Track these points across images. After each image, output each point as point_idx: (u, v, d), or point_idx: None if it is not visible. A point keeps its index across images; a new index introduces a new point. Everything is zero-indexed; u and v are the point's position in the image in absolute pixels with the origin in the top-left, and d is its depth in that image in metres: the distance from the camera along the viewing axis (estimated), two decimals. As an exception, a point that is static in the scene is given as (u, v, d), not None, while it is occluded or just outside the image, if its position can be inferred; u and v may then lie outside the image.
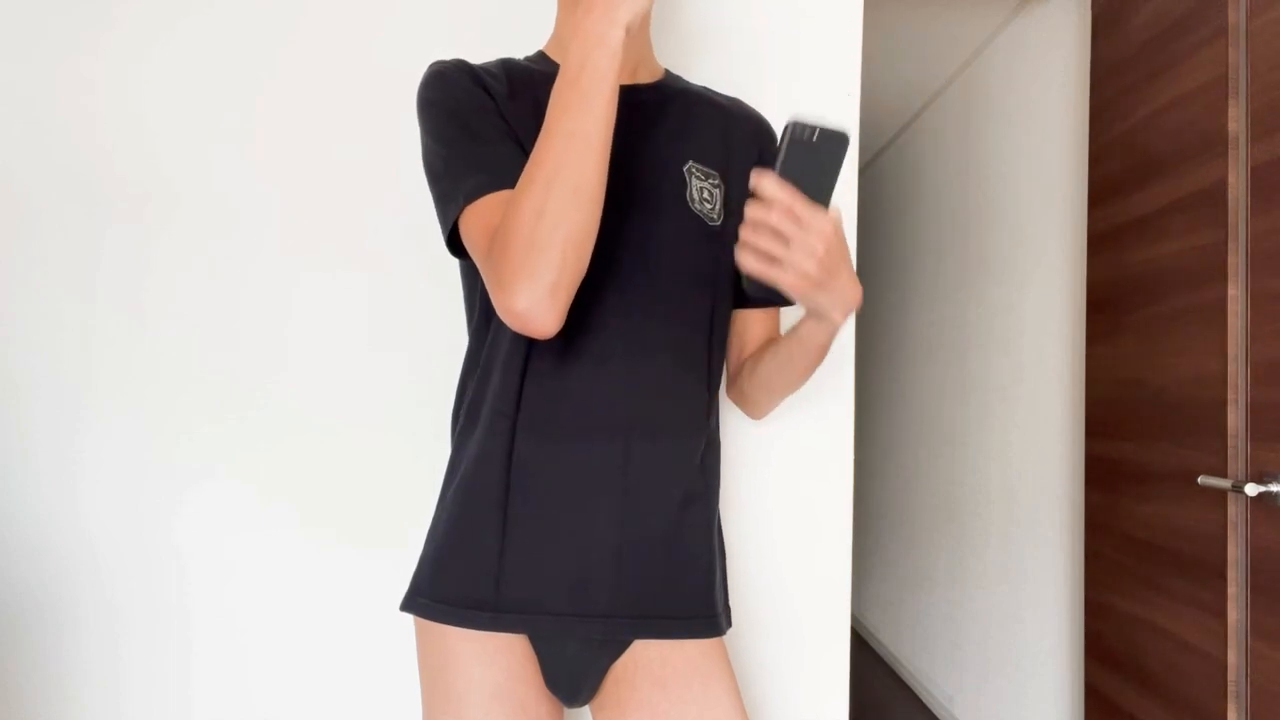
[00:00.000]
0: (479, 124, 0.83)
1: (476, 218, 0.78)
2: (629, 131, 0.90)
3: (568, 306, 0.74)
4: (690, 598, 0.86)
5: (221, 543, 1.27)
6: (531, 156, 0.74)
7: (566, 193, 0.71)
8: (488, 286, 0.75)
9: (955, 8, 2.51)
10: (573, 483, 0.84)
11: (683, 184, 0.88)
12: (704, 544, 0.88)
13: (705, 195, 0.89)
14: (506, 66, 0.91)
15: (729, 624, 0.90)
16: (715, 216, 0.90)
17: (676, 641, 0.85)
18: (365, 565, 1.28)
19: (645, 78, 0.95)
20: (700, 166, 0.90)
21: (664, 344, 0.86)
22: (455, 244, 0.85)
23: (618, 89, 0.74)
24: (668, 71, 0.99)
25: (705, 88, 0.99)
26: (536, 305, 0.71)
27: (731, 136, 0.94)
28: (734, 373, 1.00)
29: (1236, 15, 1.37)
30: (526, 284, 0.71)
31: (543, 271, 0.71)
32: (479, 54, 1.30)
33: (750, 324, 0.99)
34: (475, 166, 0.80)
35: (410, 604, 0.86)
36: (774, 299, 0.82)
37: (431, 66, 0.88)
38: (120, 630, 1.26)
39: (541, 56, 0.96)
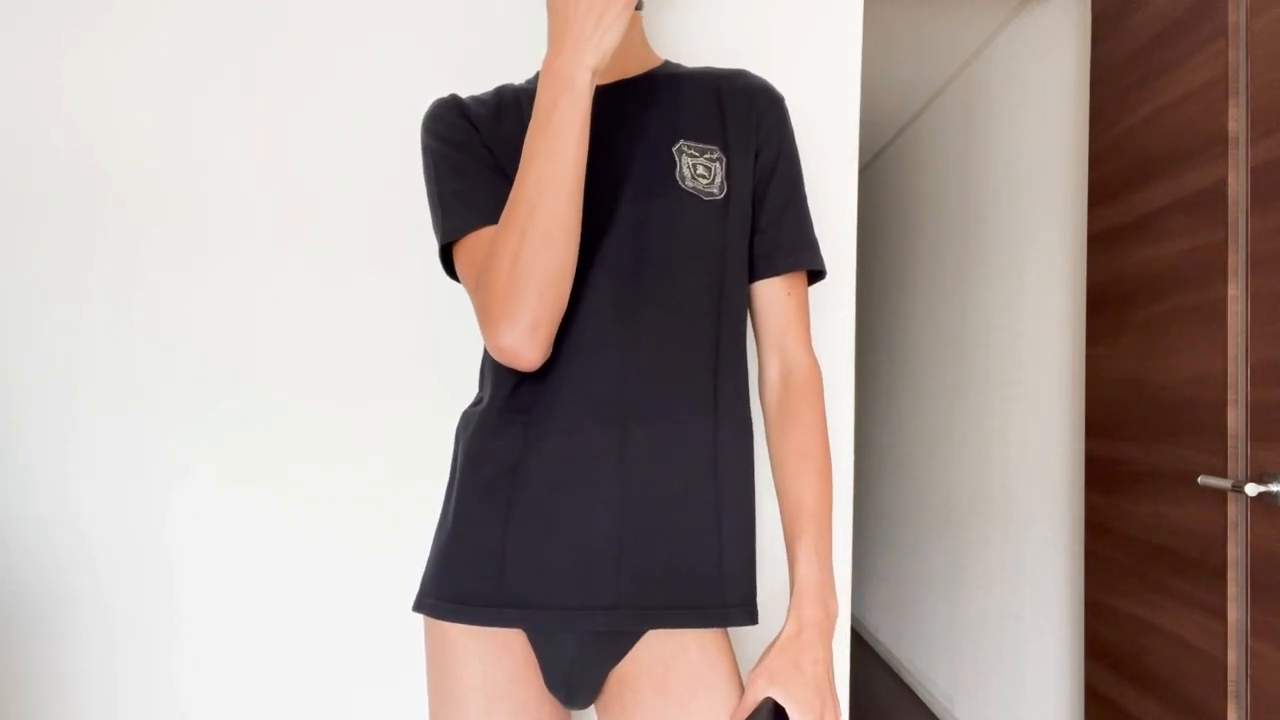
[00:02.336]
0: (463, 160, 0.87)
1: (462, 253, 0.84)
2: (618, 123, 0.90)
3: (551, 339, 0.79)
4: (694, 587, 0.84)
5: (219, 542, 1.27)
6: (508, 202, 0.78)
7: (539, 237, 0.76)
8: (477, 320, 0.81)
9: (955, 8, 2.51)
10: (571, 473, 0.83)
11: (672, 164, 0.88)
12: (713, 531, 0.85)
13: (700, 171, 0.88)
14: (499, 92, 0.95)
15: (752, 620, 0.86)
16: (716, 190, 0.88)
17: (680, 647, 0.84)
18: (362, 564, 1.28)
19: (636, 70, 0.95)
20: (693, 144, 0.89)
21: (661, 327, 0.85)
22: (452, 272, 0.91)
23: (588, 130, 0.78)
24: (667, 62, 0.99)
25: (705, 67, 0.98)
26: (519, 342, 0.77)
27: (726, 107, 0.92)
28: (761, 354, 0.96)
29: (1236, 15, 1.37)
30: (508, 324, 0.76)
31: (521, 312, 0.76)
32: (470, 58, 1.30)
33: (765, 299, 0.93)
34: (458, 204, 0.85)
35: (419, 605, 0.87)
36: None
37: (429, 107, 0.92)
38: (116, 628, 1.26)
39: (539, 77, 0.97)
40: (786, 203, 0.93)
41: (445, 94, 1.28)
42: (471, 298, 0.81)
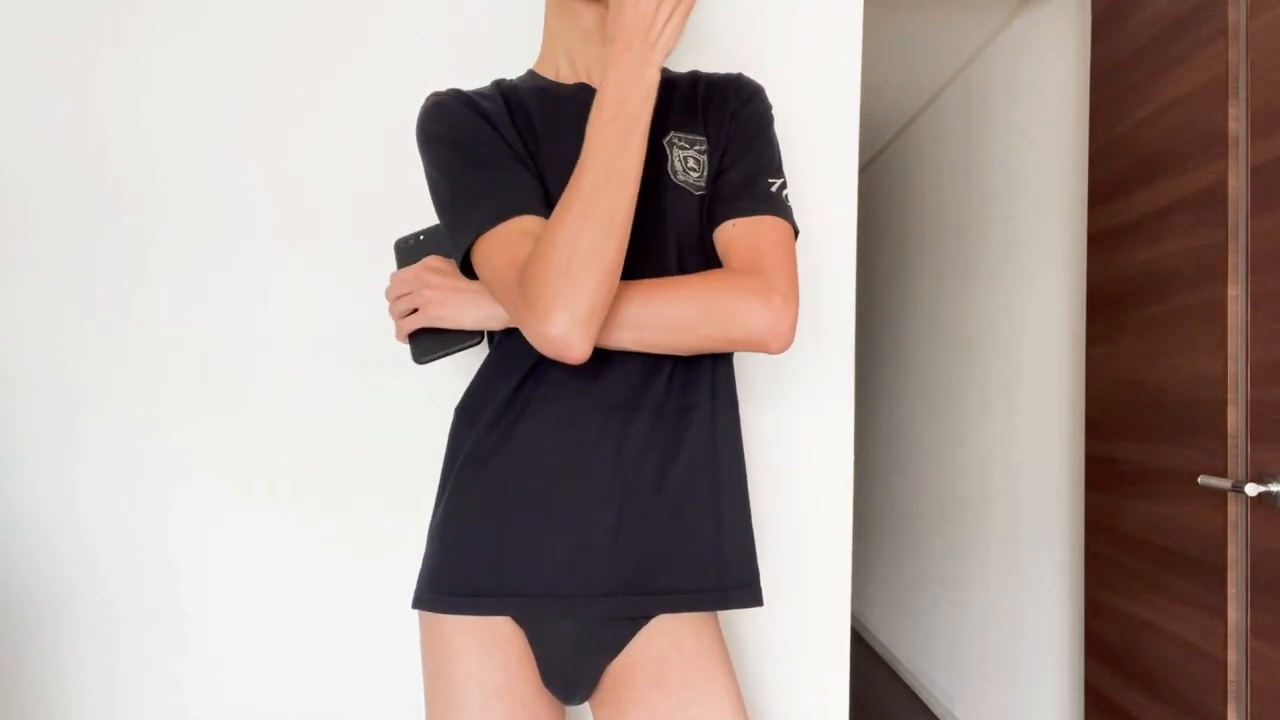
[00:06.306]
0: (483, 151, 0.85)
1: (494, 245, 0.80)
2: None
3: (598, 331, 0.76)
4: (693, 571, 0.85)
5: (219, 541, 1.27)
6: (567, 189, 0.76)
7: (601, 226, 0.74)
8: (515, 313, 0.77)
9: (955, 8, 2.51)
10: (569, 465, 0.84)
11: (663, 158, 0.89)
12: (710, 517, 0.86)
13: (690, 164, 0.89)
14: (500, 87, 0.94)
15: (757, 601, 0.86)
16: (704, 184, 0.90)
17: (675, 642, 0.85)
18: (361, 562, 1.28)
19: None
20: (683, 135, 0.91)
21: None
22: (468, 269, 0.86)
23: (649, 125, 0.77)
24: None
25: (692, 71, 0.99)
26: (570, 332, 0.74)
27: (706, 99, 0.94)
28: None
29: (1236, 15, 1.37)
30: (561, 312, 0.73)
31: (577, 300, 0.73)
32: (472, 61, 1.30)
33: (720, 246, 0.87)
34: (484, 195, 0.83)
35: (418, 600, 0.87)
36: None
37: (429, 99, 0.90)
38: (117, 628, 1.26)
39: (532, 75, 0.97)
40: (736, 160, 0.89)
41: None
42: (507, 291, 0.78)
